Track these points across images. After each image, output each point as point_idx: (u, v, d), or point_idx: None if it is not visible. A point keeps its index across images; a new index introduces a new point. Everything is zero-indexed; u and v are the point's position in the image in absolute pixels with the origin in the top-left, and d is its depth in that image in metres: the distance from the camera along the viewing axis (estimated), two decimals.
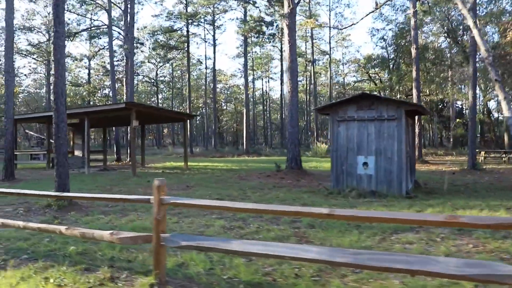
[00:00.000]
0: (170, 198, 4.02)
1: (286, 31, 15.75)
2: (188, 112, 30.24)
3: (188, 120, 19.92)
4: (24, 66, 54.11)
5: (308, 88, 53.69)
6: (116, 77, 47.34)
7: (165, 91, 66.09)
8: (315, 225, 6.89)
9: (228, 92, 64.32)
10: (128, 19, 25.00)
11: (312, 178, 14.61)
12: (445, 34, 32.44)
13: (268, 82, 73.91)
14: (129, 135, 25.09)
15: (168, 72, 63.08)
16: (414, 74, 21.90)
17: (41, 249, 5.53)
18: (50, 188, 13.15)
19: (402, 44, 32.18)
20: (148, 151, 37.33)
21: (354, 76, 54.78)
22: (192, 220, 7.36)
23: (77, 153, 21.99)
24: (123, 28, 27.69)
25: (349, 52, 69.23)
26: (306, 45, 52.65)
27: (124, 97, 27.54)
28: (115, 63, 48.48)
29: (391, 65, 33.69)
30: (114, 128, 25.40)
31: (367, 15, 16.59)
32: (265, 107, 61.94)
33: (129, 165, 23.78)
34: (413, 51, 21.99)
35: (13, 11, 15.47)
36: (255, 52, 56.43)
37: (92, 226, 6.88)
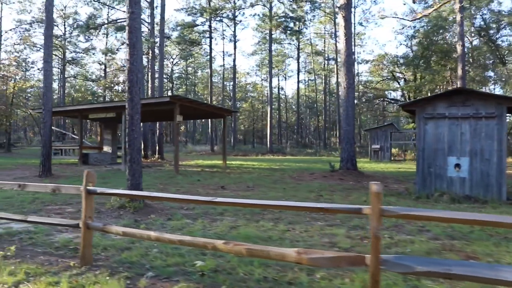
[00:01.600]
0: (396, 208, 3.05)
1: (342, 23, 14.76)
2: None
3: (227, 117, 18.95)
4: (41, 60, 53.22)
5: (327, 87, 52.63)
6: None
7: (177, 87, 65.08)
8: (454, 235, 5.94)
9: (242, 90, 63.23)
10: (158, 11, 23.99)
11: (372, 179, 13.60)
12: (477, 33, 31.37)
13: (286, 80, 72.81)
14: (157, 131, 24.18)
15: (182, 69, 62.10)
16: (460, 72, 20.90)
17: (159, 263, 4.59)
18: (98, 186, 12.24)
19: (434, 41, 31.12)
20: (166, 148, 36.46)
21: (365, 76, 53.74)
22: (301, 227, 6.39)
23: (106, 148, 21.05)
24: (148, 21, 26.74)
25: (364, 52, 68.00)
26: (325, 43, 51.62)
27: (149, 92, 26.61)
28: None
29: (421, 64, 32.57)
30: (142, 123, 24.42)
31: (434, 9, 15.42)
32: (280, 106, 60.92)
33: (158, 162, 22.87)
34: (459, 48, 20.99)
35: None
36: (271, 50, 55.32)
37: (191, 233, 5.93)
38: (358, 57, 60.09)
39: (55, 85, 67.16)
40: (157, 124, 24.78)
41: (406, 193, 10.25)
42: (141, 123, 24.47)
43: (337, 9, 44.99)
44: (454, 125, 9.51)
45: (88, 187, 4.48)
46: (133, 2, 7.76)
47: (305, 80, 65.44)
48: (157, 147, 25.44)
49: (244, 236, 5.65)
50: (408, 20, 14.15)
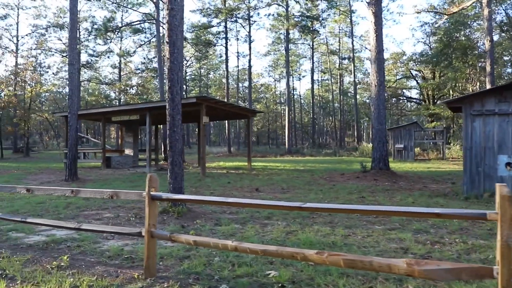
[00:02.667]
0: None
1: (372, 19, 14.32)
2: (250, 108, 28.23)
3: (251, 117, 18.60)
4: (55, 64, 54.16)
5: (340, 86, 52.04)
6: (148, 74, 46.46)
7: (189, 90, 65.04)
8: None
9: (256, 91, 62.90)
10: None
11: (408, 180, 13.17)
12: (500, 28, 30.58)
13: (300, 80, 72.26)
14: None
15: (195, 70, 62.02)
16: (488, 68, 20.28)
17: (227, 274, 4.26)
18: (123, 189, 11.98)
19: (456, 38, 30.41)
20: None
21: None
22: (361, 232, 5.99)
23: (128, 151, 20.86)
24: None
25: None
26: (340, 42, 51.05)
27: (167, 94, 26.27)
28: (143, 60, 47.70)
29: (442, 61, 31.83)
30: (161, 126, 24.24)
31: (473, 2, 14.84)
32: (294, 106, 60.40)
33: None
34: (487, 44, 20.36)
35: None
36: (284, 50, 54.83)
37: (246, 239, 5.59)
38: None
39: (67, 90, 67.83)
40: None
41: (453, 193, 9.78)
42: (161, 125, 24.31)
43: (353, 7, 44.46)
44: (505, 122, 9.02)
45: (151, 193, 4.16)
46: None
47: (318, 80, 64.93)
48: None
49: (307, 242, 5.30)
50: (445, 14, 13.61)
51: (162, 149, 24.63)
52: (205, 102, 14.65)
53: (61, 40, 45.26)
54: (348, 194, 10.10)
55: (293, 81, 60.88)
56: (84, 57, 47.69)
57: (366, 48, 46.15)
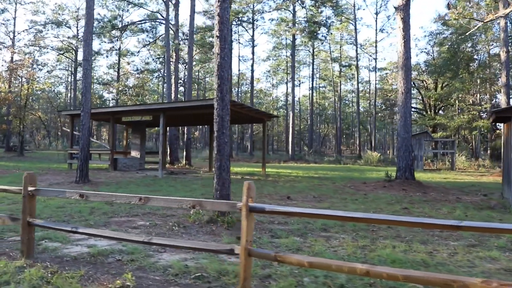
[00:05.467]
0: None
1: (400, 24, 13.95)
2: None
3: (267, 121, 18.01)
4: (49, 62, 52.99)
5: (340, 93, 51.87)
6: (145, 76, 45.62)
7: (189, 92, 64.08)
8: None
9: (256, 96, 62.41)
10: (180, 12, 23.10)
11: (436, 190, 12.72)
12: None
13: (299, 86, 71.97)
14: (185, 136, 23.13)
15: (194, 73, 61.27)
16: (504, 79, 20.13)
17: None
18: (141, 193, 11.24)
19: (463, 49, 30.40)
20: (181, 154, 35.41)
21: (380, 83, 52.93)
22: (442, 249, 5.45)
23: (134, 153, 20.07)
24: (173, 23, 25.91)
25: (376, 59, 67.05)
26: (341, 49, 50.97)
27: (173, 96, 25.71)
28: (147, 60, 46.87)
29: (448, 71, 31.79)
30: (168, 128, 23.46)
31: (491, 19, 14.67)
32: (294, 113, 60.06)
33: (187, 168, 21.90)
34: (503, 55, 20.22)
35: None
36: (285, 56, 54.54)
37: (320, 255, 5.00)
38: (369, 64, 59.62)
39: (61, 88, 66.37)
40: (185, 129, 23.78)
41: (500, 206, 9.34)
42: (167, 128, 23.59)
43: (357, 15, 44.36)
44: None
45: (250, 204, 3.56)
46: None
47: (316, 87, 64.82)
48: (184, 153, 24.47)
49: (395, 260, 4.73)
50: (481, 21, 13.36)
51: (168, 152, 23.90)
52: None
53: (58, 38, 44.23)
54: (388, 205, 9.58)
55: (293, 87, 60.61)
56: (81, 56, 46.46)
57: (368, 55, 46.19)
